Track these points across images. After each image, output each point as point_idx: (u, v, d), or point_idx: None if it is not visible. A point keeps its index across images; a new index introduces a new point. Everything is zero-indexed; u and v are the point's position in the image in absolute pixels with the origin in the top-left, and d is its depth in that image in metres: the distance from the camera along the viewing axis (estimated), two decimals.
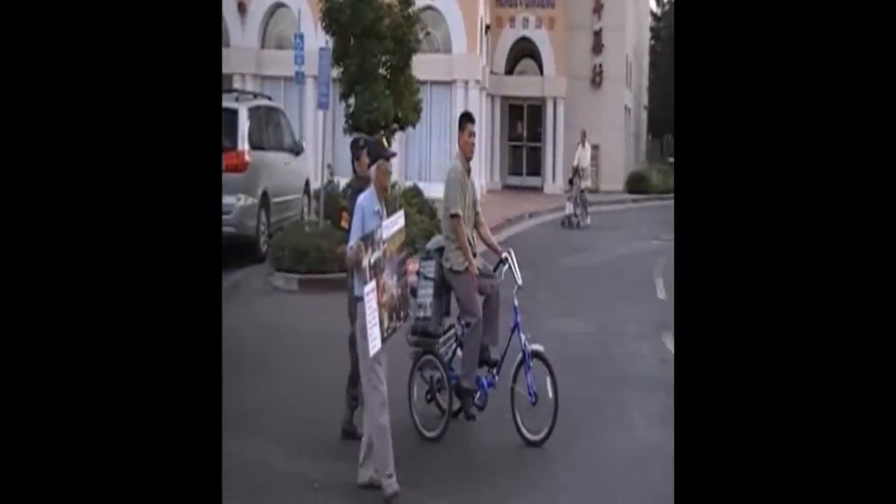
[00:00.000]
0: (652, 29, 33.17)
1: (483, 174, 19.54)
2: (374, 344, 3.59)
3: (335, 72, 10.98)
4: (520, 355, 4.54)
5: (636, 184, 24.15)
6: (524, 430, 4.55)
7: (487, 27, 21.19)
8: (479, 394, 4.59)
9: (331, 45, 10.57)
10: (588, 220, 15.43)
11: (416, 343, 4.63)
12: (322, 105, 11.03)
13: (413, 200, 11.32)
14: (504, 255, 4.74)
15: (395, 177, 13.87)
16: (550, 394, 4.45)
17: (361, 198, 3.90)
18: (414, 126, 11.02)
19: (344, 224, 4.30)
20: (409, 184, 13.01)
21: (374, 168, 3.92)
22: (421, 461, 4.27)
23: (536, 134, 23.84)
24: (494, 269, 4.76)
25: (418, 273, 4.62)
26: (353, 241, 3.77)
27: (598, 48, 24.55)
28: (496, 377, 4.64)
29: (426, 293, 4.59)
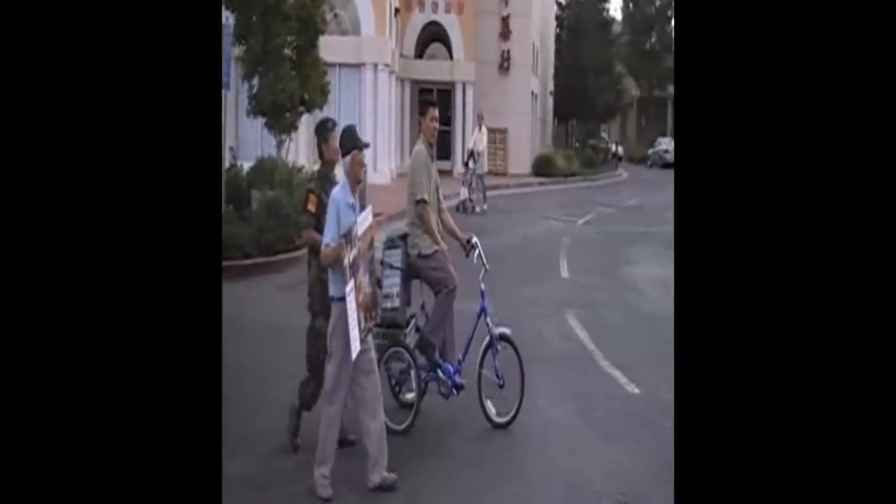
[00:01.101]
0: (557, 17, 33.85)
1: (392, 158, 19.42)
2: (355, 345, 3.50)
3: (237, 50, 10.58)
4: (487, 339, 4.54)
5: (542, 167, 24.72)
6: (491, 413, 4.56)
7: (396, 10, 20.98)
8: (447, 381, 4.54)
9: (232, 21, 10.17)
10: (485, 206, 14.95)
11: (381, 335, 4.43)
12: (223, 85, 10.62)
13: None
14: (473, 240, 4.74)
15: (301, 160, 13.61)
16: (518, 375, 4.53)
17: (336, 191, 3.74)
18: (321, 109, 10.77)
19: (311, 207, 4.05)
20: (316, 167, 12.69)
21: (348, 159, 3.77)
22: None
23: (446, 118, 23.84)
24: (466, 256, 4.72)
25: (381, 263, 4.46)
26: (330, 237, 3.63)
27: (505, 34, 24.85)
28: (462, 363, 4.60)
29: (393, 283, 4.47)
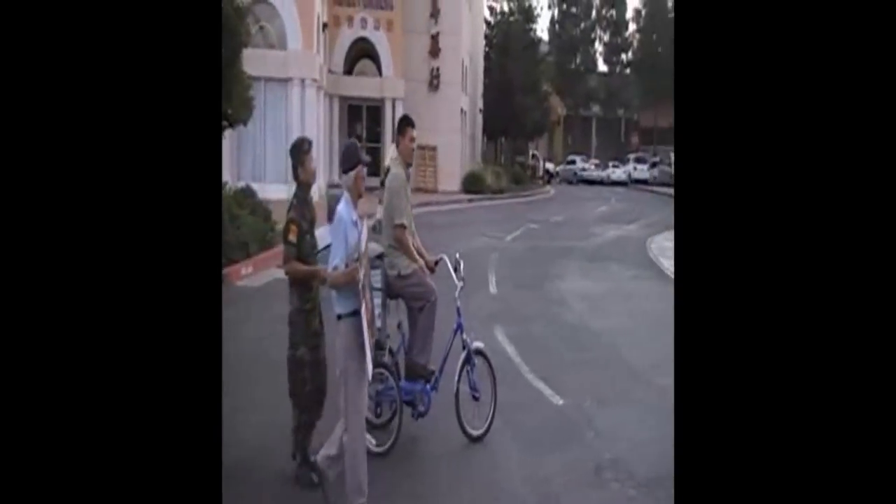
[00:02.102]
0: (486, 36, 34.47)
1: (322, 174, 19.24)
2: (371, 363, 3.45)
3: None
4: (463, 354, 4.58)
5: (472, 184, 25.01)
6: (467, 427, 4.59)
7: (325, 25, 20.90)
8: (424, 399, 4.54)
9: None
10: None
11: None
12: None
13: (245, 202, 10.85)
14: (440, 257, 4.76)
15: (225, 176, 13.28)
16: (490, 389, 4.61)
17: (341, 209, 3.59)
18: (245, 123, 10.57)
19: (292, 237, 3.87)
20: (241, 184, 12.40)
21: (352, 175, 3.64)
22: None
23: (376, 134, 23.91)
24: (432, 272, 4.70)
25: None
26: (339, 258, 3.49)
27: (435, 52, 25.14)
28: (438, 380, 4.60)
29: (376, 304, 4.38)
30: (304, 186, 4.03)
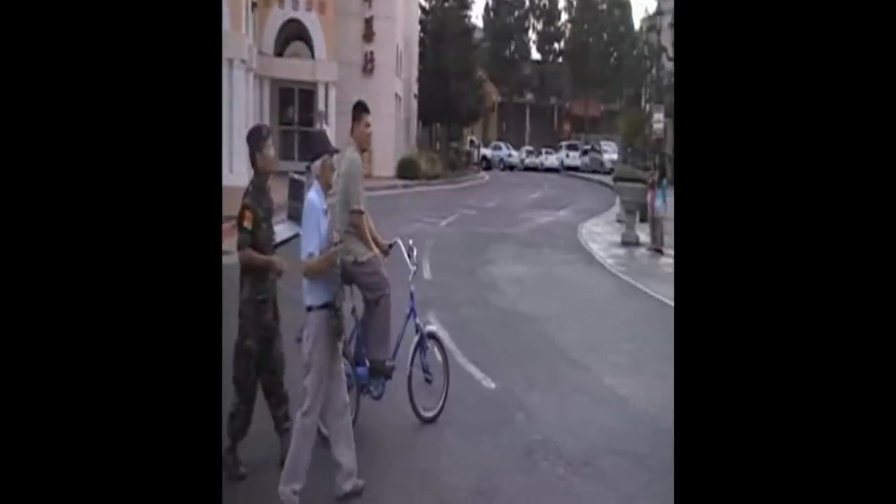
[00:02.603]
0: (421, 22, 34.26)
1: (242, 160, 18.73)
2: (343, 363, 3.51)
3: None
4: (416, 337, 4.65)
5: (406, 169, 24.91)
6: (420, 409, 4.66)
7: (254, 4, 20.28)
8: (378, 385, 4.56)
9: None
10: None
11: None
12: None
13: None
14: (394, 241, 4.79)
15: None
16: (442, 371, 4.74)
17: (313, 198, 3.54)
18: None
19: (247, 224, 3.76)
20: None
21: (319, 163, 3.58)
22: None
23: (308, 118, 23.47)
24: (385, 255, 4.70)
25: None
26: (314, 245, 3.47)
27: (369, 36, 24.82)
28: (392, 363, 4.63)
29: None
30: (261, 174, 3.93)
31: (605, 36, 47.17)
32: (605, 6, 47.56)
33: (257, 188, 3.90)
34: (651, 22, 40.96)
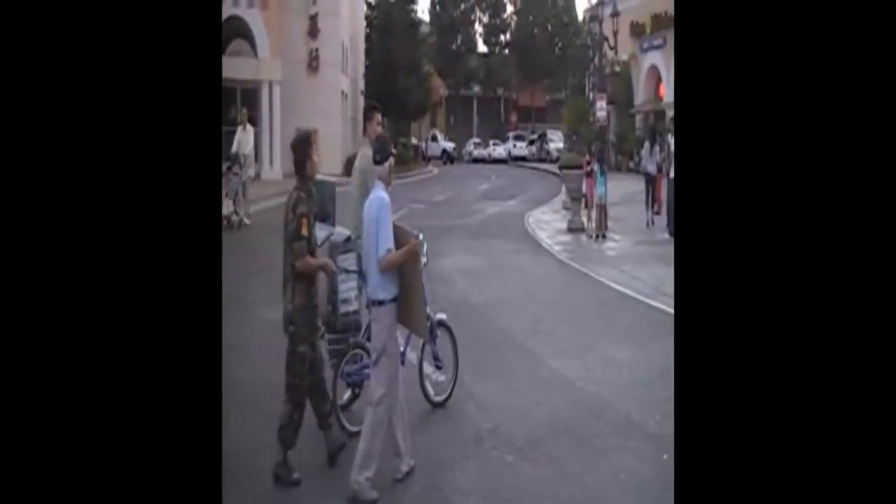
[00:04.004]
0: (367, 17, 33.95)
1: None
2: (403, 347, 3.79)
3: None
4: (427, 325, 4.71)
5: (353, 167, 24.74)
6: (430, 394, 4.87)
7: None
8: None
9: None
10: (247, 221, 12.43)
11: (338, 341, 4.53)
12: None
13: None
14: (420, 237, 5.04)
15: None
16: (452, 358, 4.94)
17: (384, 197, 3.75)
18: None
19: (304, 231, 3.78)
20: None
21: (385, 166, 3.82)
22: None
23: (253, 118, 23.02)
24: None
25: (336, 267, 4.36)
26: (391, 241, 3.69)
27: (314, 33, 24.47)
28: (405, 354, 4.72)
29: (350, 287, 4.49)
30: (307, 179, 3.92)
31: (549, 27, 47.61)
32: None
33: (307, 193, 3.93)
34: (593, 12, 41.46)
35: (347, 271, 4.55)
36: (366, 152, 4.76)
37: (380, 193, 3.78)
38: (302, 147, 3.91)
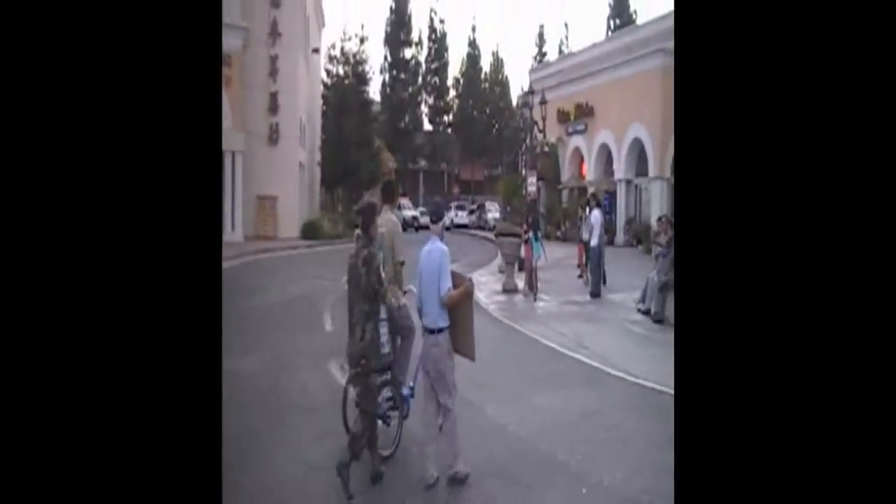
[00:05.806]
0: (323, 96, 34.70)
1: None
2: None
3: None
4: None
5: (310, 231, 24.76)
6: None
7: None
8: (405, 406, 5.11)
9: None
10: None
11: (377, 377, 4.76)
12: None
13: None
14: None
15: None
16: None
17: (445, 248, 4.47)
18: None
19: (384, 278, 4.44)
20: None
21: (440, 224, 4.62)
22: None
23: None
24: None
25: None
26: (450, 282, 4.38)
27: (274, 108, 24.80)
28: (413, 389, 5.15)
29: (384, 332, 4.67)
30: (371, 239, 4.49)
31: (487, 110, 49.56)
32: (487, 85, 50.12)
33: (375, 250, 4.48)
34: (525, 99, 43.40)
35: (381, 319, 4.81)
36: (392, 217, 5.42)
37: (439, 245, 4.49)
38: (368, 213, 4.45)
